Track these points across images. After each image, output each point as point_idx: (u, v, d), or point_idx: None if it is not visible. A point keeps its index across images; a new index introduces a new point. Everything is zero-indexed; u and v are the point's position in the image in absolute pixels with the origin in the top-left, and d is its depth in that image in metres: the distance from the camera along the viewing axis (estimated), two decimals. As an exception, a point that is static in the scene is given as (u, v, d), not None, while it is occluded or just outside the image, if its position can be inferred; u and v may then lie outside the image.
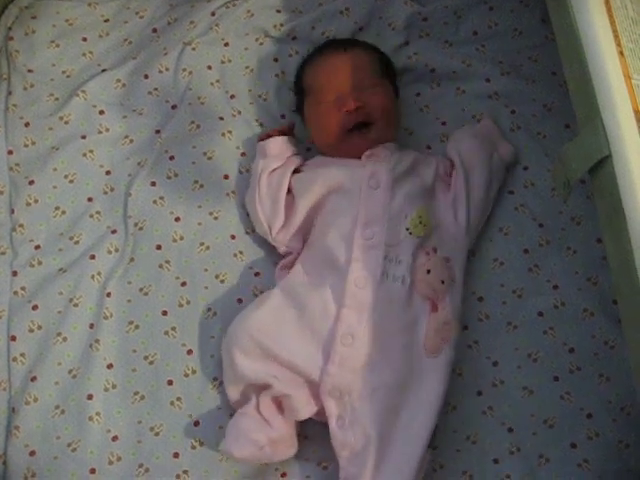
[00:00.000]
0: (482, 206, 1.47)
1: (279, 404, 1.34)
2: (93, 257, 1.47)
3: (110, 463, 1.36)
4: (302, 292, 1.35)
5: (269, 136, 1.49)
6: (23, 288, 1.44)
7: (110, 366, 1.41)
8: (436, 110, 1.60)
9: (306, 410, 1.33)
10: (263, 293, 1.42)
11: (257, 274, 1.48)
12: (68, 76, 1.60)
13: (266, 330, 1.33)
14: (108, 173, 1.54)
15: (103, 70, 1.61)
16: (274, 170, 1.47)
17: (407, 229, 1.38)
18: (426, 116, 1.60)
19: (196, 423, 1.39)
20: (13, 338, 1.41)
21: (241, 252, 1.49)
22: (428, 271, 1.37)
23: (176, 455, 1.37)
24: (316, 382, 1.32)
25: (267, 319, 1.34)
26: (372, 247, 1.36)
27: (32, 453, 1.36)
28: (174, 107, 1.59)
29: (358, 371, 1.31)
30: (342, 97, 1.44)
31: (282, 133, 1.50)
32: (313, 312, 1.34)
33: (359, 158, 1.45)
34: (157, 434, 1.38)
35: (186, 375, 1.41)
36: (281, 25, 1.64)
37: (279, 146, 1.48)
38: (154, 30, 1.65)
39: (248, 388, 1.34)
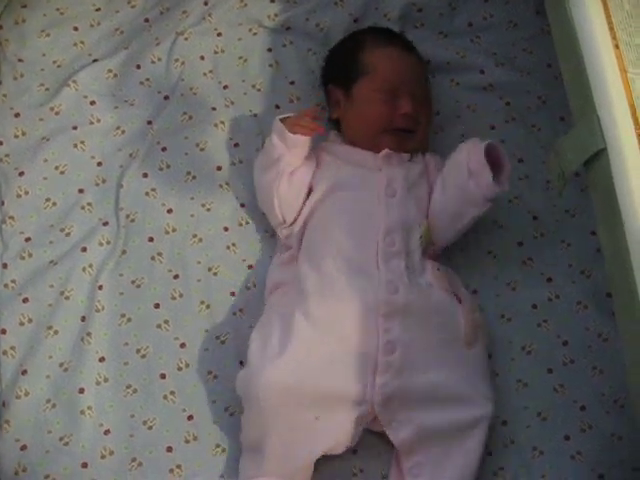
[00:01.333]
0: (443, 224, 1.42)
1: None
2: (84, 249, 1.46)
3: (102, 457, 1.35)
4: (328, 310, 1.32)
5: (296, 124, 1.41)
6: (13, 281, 1.43)
7: (102, 359, 1.40)
8: (431, 102, 1.60)
9: (346, 442, 1.30)
10: (268, 321, 1.36)
11: (250, 266, 1.47)
12: (59, 66, 1.59)
13: (301, 372, 1.28)
14: (99, 164, 1.53)
15: (94, 60, 1.60)
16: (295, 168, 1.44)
17: (420, 237, 1.39)
18: (420, 108, 1.60)
19: (190, 417, 1.38)
20: (3, 331, 1.40)
21: (234, 244, 1.49)
22: (438, 269, 1.38)
23: (169, 449, 1.36)
24: (367, 399, 1.29)
25: (297, 359, 1.29)
26: (395, 254, 1.36)
27: (23, 447, 1.35)
28: (166, 98, 1.58)
29: (405, 376, 1.30)
30: (403, 97, 1.44)
31: (312, 126, 1.42)
32: (347, 329, 1.31)
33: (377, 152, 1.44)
34: (150, 428, 1.37)
35: (179, 369, 1.40)
36: (275, 15, 1.64)
37: (305, 146, 1.43)
38: (146, 20, 1.64)
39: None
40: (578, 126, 1.13)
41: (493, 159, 1.35)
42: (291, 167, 1.43)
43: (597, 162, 1.09)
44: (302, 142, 1.42)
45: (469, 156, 1.35)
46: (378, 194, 1.40)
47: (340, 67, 1.52)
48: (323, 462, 1.32)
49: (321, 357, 1.29)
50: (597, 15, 1.13)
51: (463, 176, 1.35)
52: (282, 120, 1.43)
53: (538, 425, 1.38)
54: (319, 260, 1.37)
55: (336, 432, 1.29)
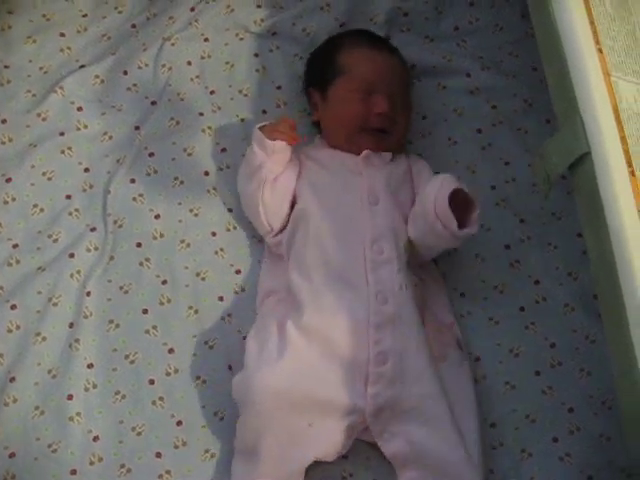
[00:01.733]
0: (420, 250, 1.41)
1: None
2: (72, 255, 1.46)
3: (91, 464, 1.34)
4: (320, 321, 1.32)
5: (275, 131, 1.42)
6: (1, 287, 1.43)
7: (90, 366, 1.40)
8: (417, 105, 1.59)
9: (338, 449, 1.31)
10: (265, 331, 1.35)
11: (238, 271, 1.47)
12: (45, 72, 1.59)
13: (296, 378, 1.28)
14: (87, 170, 1.52)
15: (81, 66, 1.59)
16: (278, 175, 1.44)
17: (403, 247, 1.39)
18: (407, 112, 1.60)
19: (179, 423, 1.38)
20: (-9, 339, 1.40)
21: (222, 249, 1.49)
22: (415, 285, 1.39)
23: (158, 455, 1.36)
24: (358, 408, 1.29)
25: (293, 366, 1.29)
26: (385, 262, 1.36)
27: (12, 455, 1.34)
28: (153, 103, 1.58)
29: (397, 387, 1.30)
30: (379, 97, 1.44)
31: (291, 135, 1.42)
32: (338, 341, 1.30)
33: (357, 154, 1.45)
34: (139, 434, 1.37)
35: (168, 374, 1.40)
36: (261, 20, 1.64)
37: (284, 152, 1.43)
38: (133, 25, 1.64)
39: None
40: (562, 130, 1.13)
41: (461, 199, 1.33)
42: (273, 174, 1.43)
43: (581, 166, 1.09)
44: (281, 148, 1.42)
45: (436, 201, 1.32)
46: (361, 200, 1.40)
47: (318, 69, 1.53)
48: (314, 466, 1.32)
49: (314, 366, 1.29)
50: (580, 19, 1.13)
51: (431, 218, 1.33)
52: (260, 128, 1.43)
53: (527, 427, 1.38)
54: (308, 270, 1.37)
55: (328, 440, 1.29)
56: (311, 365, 1.29)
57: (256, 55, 1.62)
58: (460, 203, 1.33)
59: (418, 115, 1.59)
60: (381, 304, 1.32)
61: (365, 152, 1.44)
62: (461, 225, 1.32)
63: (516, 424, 1.38)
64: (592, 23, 1.14)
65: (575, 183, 1.13)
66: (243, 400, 1.31)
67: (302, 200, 1.43)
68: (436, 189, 1.32)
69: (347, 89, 1.46)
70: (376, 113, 1.43)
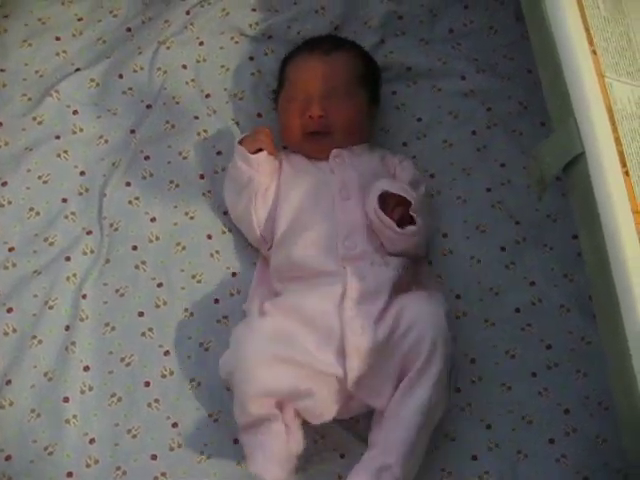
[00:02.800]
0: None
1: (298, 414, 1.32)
2: (68, 258, 1.46)
3: (87, 466, 1.35)
4: (295, 298, 1.34)
5: (255, 141, 1.44)
6: (-5, 291, 1.44)
7: (86, 368, 1.40)
8: (412, 108, 1.60)
9: (331, 410, 1.32)
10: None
11: (234, 274, 1.48)
12: (41, 76, 1.59)
13: (278, 337, 1.30)
14: (82, 174, 1.53)
15: (77, 69, 1.59)
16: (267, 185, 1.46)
17: None
18: (402, 114, 1.60)
19: (174, 425, 1.38)
20: (-13, 342, 1.40)
21: (217, 252, 1.49)
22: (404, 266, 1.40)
23: (154, 457, 1.36)
24: (340, 378, 1.31)
25: (275, 327, 1.31)
26: (358, 256, 1.37)
27: (8, 457, 1.35)
28: (149, 107, 1.58)
29: (375, 361, 1.31)
30: (309, 101, 1.45)
31: (268, 143, 1.45)
32: (316, 320, 1.32)
33: (327, 158, 1.46)
34: (134, 436, 1.37)
35: (163, 376, 1.41)
36: (257, 24, 1.64)
37: (270, 162, 1.45)
38: (128, 29, 1.64)
39: (268, 404, 1.29)
40: (557, 131, 1.13)
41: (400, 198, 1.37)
42: (263, 186, 1.44)
43: (576, 167, 1.09)
44: (266, 159, 1.44)
45: (371, 205, 1.37)
46: (333, 197, 1.42)
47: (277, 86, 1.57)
48: (311, 465, 1.34)
49: (292, 333, 1.31)
50: (574, 21, 1.14)
51: (379, 225, 1.37)
52: (240, 142, 1.44)
53: (523, 429, 1.38)
54: (286, 271, 1.39)
55: (316, 394, 1.29)
56: (289, 332, 1.30)
57: (251, 58, 1.63)
58: (401, 203, 1.36)
59: (413, 117, 1.60)
60: (359, 280, 1.33)
61: (334, 151, 1.46)
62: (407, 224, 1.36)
63: (512, 425, 1.39)
64: (586, 25, 1.14)
65: (570, 184, 1.13)
66: (236, 370, 1.30)
67: (281, 205, 1.44)
68: (371, 194, 1.37)
69: (285, 99, 1.50)
70: (307, 117, 1.45)
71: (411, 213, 1.36)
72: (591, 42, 1.14)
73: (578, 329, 1.44)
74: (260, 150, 1.43)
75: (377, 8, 1.64)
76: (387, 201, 1.38)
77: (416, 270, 1.44)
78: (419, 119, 1.59)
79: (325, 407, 1.31)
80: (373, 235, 1.39)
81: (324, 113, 1.45)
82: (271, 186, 1.45)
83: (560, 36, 1.13)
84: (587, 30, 1.15)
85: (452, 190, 1.54)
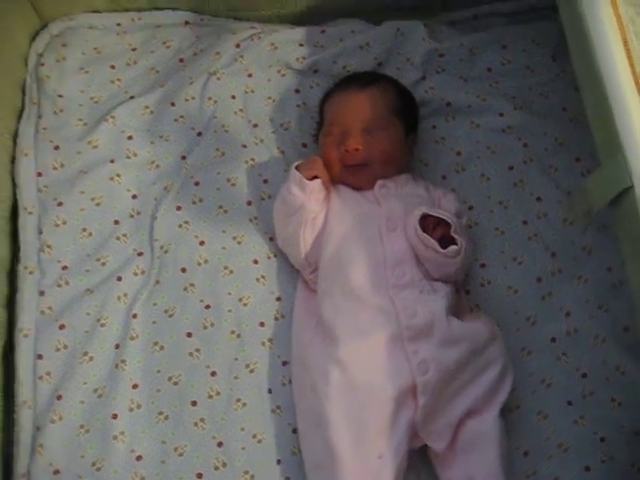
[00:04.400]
0: None
1: None
2: (120, 279, 1.49)
3: (134, 483, 1.37)
4: (359, 354, 1.36)
5: (311, 169, 1.49)
6: (50, 308, 1.47)
7: (135, 386, 1.43)
8: (451, 142, 1.65)
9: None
10: None
11: (278, 299, 1.51)
12: (96, 102, 1.65)
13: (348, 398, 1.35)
14: (134, 197, 1.57)
15: (131, 97, 1.65)
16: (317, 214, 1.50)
17: None
18: (442, 148, 1.65)
19: (219, 444, 1.40)
20: (40, 357, 1.43)
21: (263, 277, 1.53)
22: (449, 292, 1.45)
23: (199, 475, 1.38)
24: (409, 419, 1.34)
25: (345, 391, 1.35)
26: (407, 285, 1.40)
27: (56, 472, 1.37)
28: (199, 134, 1.63)
29: (443, 392, 1.35)
30: (345, 135, 1.50)
31: (324, 172, 1.50)
32: (379, 363, 1.35)
33: (371, 187, 1.51)
34: (181, 454, 1.39)
35: (210, 396, 1.43)
36: (303, 58, 1.70)
37: (322, 191, 1.50)
38: (180, 60, 1.70)
39: None
40: (604, 166, 1.18)
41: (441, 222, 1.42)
42: (314, 214, 1.49)
43: (624, 199, 1.14)
44: (319, 187, 1.49)
45: (413, 227, 1.42)
46: (380, 228, 1.46)
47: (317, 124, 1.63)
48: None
49: (362, 388, 1.34)
50: (621, 59, 1.19)
51: (421, 247, 1.42)
52: (296, 168, 1.49)
53: (559, 456, 1.40)
54: (336, 300, 1.42)
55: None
56: (358, 388, 1.33)
57: (297, 91, 1.68)
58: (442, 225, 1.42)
59: (452, 151, 1.65)
60: (410, 318, 1.37)
61: (380, 181, 1.51)
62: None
63: (549, 452, 1.41)
64: (631, 61, 1.19)
65: (617, 217, 1.17)
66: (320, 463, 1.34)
67: (329, 234, 1.48)
68: (412, 217, 1.42)
69: (324, 134, 1.55)
70: (344, 151, 1.50)
71: (452, 234, 1.41)
72: (637, 81, 1.20)
73: (613, 359, 1.46)
74: (315, 177, 1.48)
75: (419, 46, 1.70)
76: (428, 224, 1.42)
77: (457, 299, 1.48)
78: (458, 153, 1.64)
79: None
80: (420, 263, 1.43)
81: (360, 146, 1.50)
82: (320, 214, 1.50)
83: (607, 73, 1.19)
84: (632, 66, 1.20)
85: (490, 222, 1.58)
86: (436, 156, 1.65)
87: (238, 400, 1.43)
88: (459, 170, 1.63)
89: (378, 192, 1.51)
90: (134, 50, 1.70)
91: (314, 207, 1.48)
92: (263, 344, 1.48)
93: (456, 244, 1.41)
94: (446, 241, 1.42)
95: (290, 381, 1.45)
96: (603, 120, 1.19)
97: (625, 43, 1.21)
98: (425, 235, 1.40)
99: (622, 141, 1.15)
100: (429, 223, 1.42)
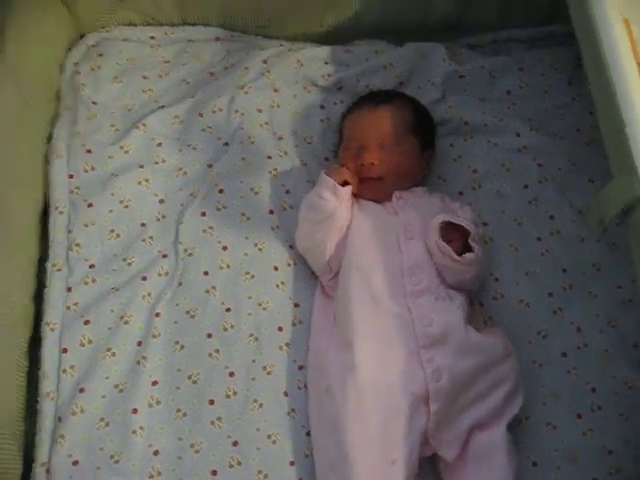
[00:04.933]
0: None
1: None
2: (144, 279, 1.53)
3: (150, 477, 1.39)
4: (375, 359, 1.39)
5: (340, 175, 1.54)
6: (76, 304, 1.50)
7: (155, 383, 1.45)
8: (469, 160, 1.71)
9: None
10: None
11: (296, 305, 1.55)
12: (129, 110, 1.70)
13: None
14: (161, 202, 1.62)
15: (161, 106, 1.71)
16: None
17: None
18: (459, 165, 1.71)
19: (235, 443, 1.43)
20: (65, 350, 1.46)
21: (283, 283, 1.56)
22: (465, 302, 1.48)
23: (214, 473, 1.40)
24: (421, 426, 1.37)
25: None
26: (424, 292, 1.44)
27: (75, 463, 1.39)
28: (226, 144, 1.68)
29: (455, 400, 1.37)
30: (362, 150, 1.56)
31: (353, 179, 1.55)
32: (393, 368, 1.38)
33: (389, 199, 1.56)
34: (197, 451, 1.42)
35: (227, 396, 1.46)
36: (328, 75, 1.76)
37: (350, 196, 1.55)
38: (211, 73, 1.76)
39: None
40: (617, 178, 1.23)
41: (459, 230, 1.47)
42: (344, 220, 1.53)
43: (636, 210, 1.18)
44: (350, 193, 1.54)
45: (432, 234, 1.47)
46: (398, 237, 1.50)
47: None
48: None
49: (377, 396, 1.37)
50: (636, 82, 1.24)
51: (438, 254, 1.46)
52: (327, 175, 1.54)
53: (568, 467, 1.43)
54: (353, 305, 1.45)
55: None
56: (373, 393, 1.37)
57: (322, 107, 1.75)
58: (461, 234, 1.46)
59: (469, 169, 1.70)
60: (426, 326, 1.40)
61: (397, 193, 1.56)
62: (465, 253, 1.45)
63: (557, 464, 1.43)
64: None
65: (631, 227, 1.21)
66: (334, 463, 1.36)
67: (350, 241, 1.52)
68: (431, 225, 1.46)
69: (342, 149, 1.61)
70: (360, 165, 1.55)
71: (470, 242, 1.45)
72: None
73: (621, 374, 1.49)
74: (346, 184, 1.53)
75: (440, 67, 1.77)
76: (447, 233, 1.47)
77: (472, 310, 1.52)
78: (475, 170, 1.70)
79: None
80: (436, 271, 1.47)
81: (376, 160, 1.55)
82: (347, 221, 1.54)
83: (623, 93, 1.24)
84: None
85: (504, 238, 1.63)
86: (453, 173, 1.70)
87: (255, 401, 1.46)
88: (475, 187, 1.68)
89: (396, 203, 1.56)
90: (166, 62, 1.76)
91: (345, 213, 1.53)
92: (280, 348, 1.51)
93: (472, 251, 1.46)
94: (462, 248, 1.46)
95: (305, 385, 1.48)
96: (616, 137, 1.24)
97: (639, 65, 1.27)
98: (443, 243, 1.45)
99: (634, 155, 1.19)
100: (447, 231, 1.47)
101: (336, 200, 1.52)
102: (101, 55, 1.76)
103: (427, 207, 1.55)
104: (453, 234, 1.47)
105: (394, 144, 1.57)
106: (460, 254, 1.45)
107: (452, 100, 1.75)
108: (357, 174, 1.56)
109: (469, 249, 1.46)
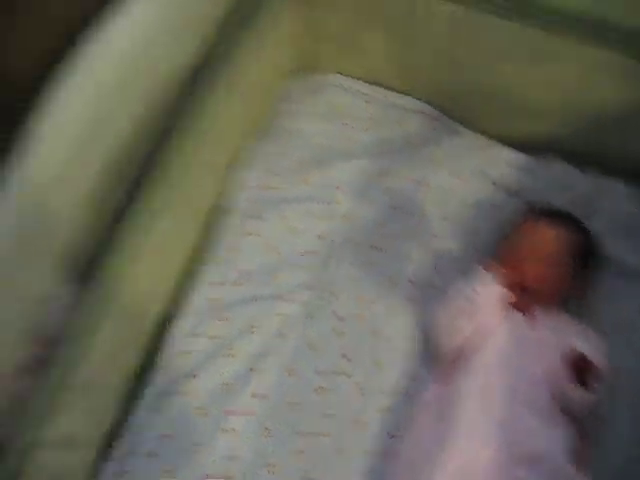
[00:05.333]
0: None
1: None
2: (284, 299, 1.63)
3: (226, 478, 1.46)
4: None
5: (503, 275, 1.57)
6: (217, 299, 1.62)
7: (255, 395, 1.53)
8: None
9: None
10: None
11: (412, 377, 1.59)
12: (322, 148, 1.80)
13: None
14: (319, 237, 1.70)
15: (353, 156, 1.79)
16: None
17: None
18: (607, 307, 1.66)
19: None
20: (195, 335, 1.58)
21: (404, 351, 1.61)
22: None
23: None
24: None
25: None
26: (534, 410, 1.45)
27: (165, 436, 1.50)
28: (397, 209, 1.75)
29: None
30: (523, 260, 1.59)
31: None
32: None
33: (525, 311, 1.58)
34: (271, 472, 1.47)
35: (316, 435, 1.51)
36: (510, 178, 1.79)
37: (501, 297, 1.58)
38: (409, 142, 1.82)
39: None
40: None
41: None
42: (489, 317, 1.55)
43: None
44: (500, 294, 1.57)
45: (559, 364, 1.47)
46: (528, 350, 1.51)
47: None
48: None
49: None
50: None
51: (559, 378, 1.47)
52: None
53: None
54: (464, 402, 1.46)
55: None
56: None
57: (494, 205, 1.78)
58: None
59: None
60: (522, 445, 1.40)
61: (537, 308, 1.57)
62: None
63: None
64: None
65: None
66: None
67: (483, 338, 1.55)
68: (565, 350, 1.47)
69: (507, 245, 1.63)
70: (517, 271, 1.56)
71: (591, 381, 1.44)
72: None
73: None
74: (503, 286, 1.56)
75: (618, 206, 1.75)
76: (575, 360, 1.46)
77: (581, 447, 1.49)
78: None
79: None
80: (552, 392, 1.47)
81: (530, 273, 1.58)
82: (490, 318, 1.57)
83: None
84: None
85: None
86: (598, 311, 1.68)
87: (339, 450, 1.51)
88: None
89: (534, 318, 1.59)
90: (370, 119, 1.85)
91: (491, 310, 1.55)
92: (378, 411, 1.55)
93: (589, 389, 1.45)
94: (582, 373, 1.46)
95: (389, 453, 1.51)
96: None
97: None
98: (569, 373, 1.46)
99: None
100: (576, 358, 1.47)
101: (488, 296, 1.55)
102: (313, 92, 1.88)
103: (563, 326, 1.57)
104: (581, 364, 1.48)
105: (552, 265, 1.60)
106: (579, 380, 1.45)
107: (621, 242, 1.73)
108: (508, 278, 1.59)
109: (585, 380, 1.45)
